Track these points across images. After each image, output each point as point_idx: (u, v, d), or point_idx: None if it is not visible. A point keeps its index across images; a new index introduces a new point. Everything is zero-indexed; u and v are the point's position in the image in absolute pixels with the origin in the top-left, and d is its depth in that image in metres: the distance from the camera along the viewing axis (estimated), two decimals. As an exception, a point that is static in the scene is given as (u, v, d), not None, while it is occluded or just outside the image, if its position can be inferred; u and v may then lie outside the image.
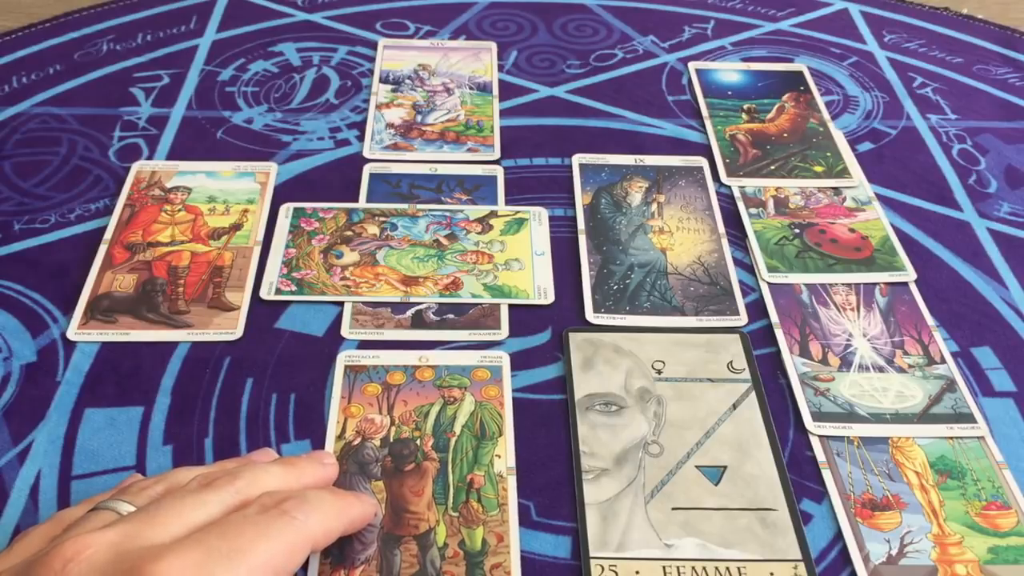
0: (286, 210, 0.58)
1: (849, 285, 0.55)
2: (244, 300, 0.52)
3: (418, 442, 0.45)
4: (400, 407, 0.47)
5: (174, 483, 0.36)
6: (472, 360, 0.49)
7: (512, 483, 0.44)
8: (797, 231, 0.58)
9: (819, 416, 0.47)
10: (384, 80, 0.70)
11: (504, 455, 0.45)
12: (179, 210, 0.58)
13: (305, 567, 0.40)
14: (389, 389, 0.48)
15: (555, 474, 0.45)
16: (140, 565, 0.29)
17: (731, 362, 0.50)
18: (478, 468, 0.44)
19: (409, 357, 0.49)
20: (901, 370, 0.50)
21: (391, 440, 0.45)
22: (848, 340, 0.52)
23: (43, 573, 0.30)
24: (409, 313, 0.52)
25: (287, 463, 0.39)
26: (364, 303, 0.52)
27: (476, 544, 0.41)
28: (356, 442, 0.45)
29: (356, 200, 0.59)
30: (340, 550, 0.40)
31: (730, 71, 0.72)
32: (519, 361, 0.50)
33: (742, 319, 0.53)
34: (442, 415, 0.46)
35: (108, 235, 0.56)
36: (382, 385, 0.48)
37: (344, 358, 0.49)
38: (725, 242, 0.57)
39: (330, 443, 0.45)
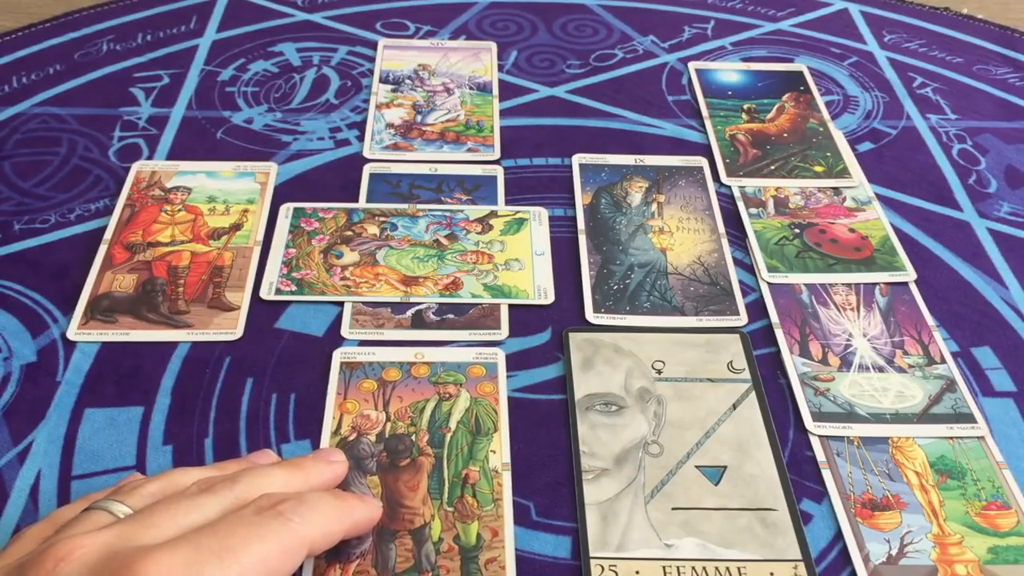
0: (286, 210, 0.58)
1: (849, 285, 0.55)
2: (244, 300, 0.52)
3: (413, 437, 0.45)
4: (396, 403, 0.47)
5: (170, 483, 0.36)
6: (468, 357, 0.49)
7: (507, 478, 0.44)
8: (797, 231, 0.58)
9: (819, 416, 0.47)
10: (384, 80, 0.70)
11: (499, 451, 0.45)
12: (179, 210, 0.58)
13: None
14: (385, 385, 0.48)
15: (555, 474, 0.45)
16: (129, 564, 0.29)
17: (731, 362, 0.50)
18: (473, 464, 0.44)
19: (405, 354, 0.49)
20: (901, 370, 0.50)
21: (386, 436, 0.45)
22: (848, 340, 0.52)
23: (35, 572, 0.30)
24: (409, 313, 0.52)
25: (291, 465, 0.39)
26: (364, 303, 0.52)
27: (471, 539, 0.41)
28: (352, 438, 0.45)
29: (356, 200, 0.59)
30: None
31: (730, 71, 0.72)
32: (519, 361, 0.50)
33: (742, 319, 0.53)
34: (437, 411, 0.47)
35: (108, 235, 0.56)
36: (377, 381, 0.48)
37: (340, 354, 0.49)
38: (725, 242, 0.57)
39: (326, 439, 0.45)
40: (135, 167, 0.61)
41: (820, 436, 0.47)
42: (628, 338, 0.51)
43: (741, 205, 0.60)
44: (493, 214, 0.58)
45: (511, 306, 0.53)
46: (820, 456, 0.46)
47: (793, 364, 0.50)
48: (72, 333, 0.50)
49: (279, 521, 0.33)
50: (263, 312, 0.52)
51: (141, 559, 0.30)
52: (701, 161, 0.63)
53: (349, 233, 0.57)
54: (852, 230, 0.58)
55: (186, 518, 0.33)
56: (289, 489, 0.36)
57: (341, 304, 0.52)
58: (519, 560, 0.41)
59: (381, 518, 0.42)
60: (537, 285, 0.54)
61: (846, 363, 0.50)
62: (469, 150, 0.64)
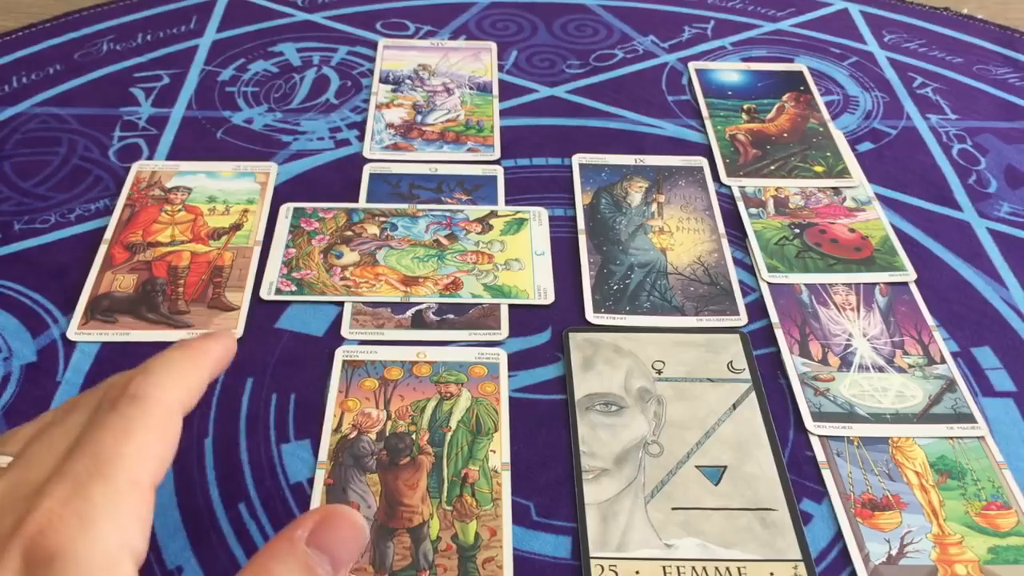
0: (286, 210, 0.58)
1: (849, 285, 0.55)
2: (244, 300, 0.52)
3: (414, 436, 0.45)
4: (397, 402, 0.47)
5: (44, 418, 0.33)
6: (469, 357, 0.49)
7: (506, 478, 0.44)
8: (797, 231, 0.58)
9: (819, 416, 0.47)
10: (384, 80, 0.70)
11: (499, 451, 0.45)
12: (179, 210, 0.58)
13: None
14: (386, 384, 0.48)
15: (555, 474, 0.45)
16: (21, 522, 0.27)
17: (731, 362, 0.50)
18: (473, 463, 0.44)
19: (407, 353, 0.49)
20: (901, 370, 0.50)
21: (387, 434, 0.45)
22: (848, 340, 0.52)
23: None
24: (409, 313, 0.52)
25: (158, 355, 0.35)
26: (364, 303, 0.52)
27: (469, 538, 0.41)
28: (352, 436, 0.45)
29: (356, 200, 0.59)
30: None
31: (730, 71, 0.72)
32: (519, 361, 0.50)
33: (742, 319, 0.53)
34: (438, 410, 0.47)
35: (108, 235, 0.56)
36: (379, 380, 0.48)
37: (342, 353, 0.49)
38: (725, 242, 0.57)
39: (326, 436, 0.45)
40: (135, 167, 0.61)
41: (820, 436, 0.47)
42: (628, 338, 0.51)
43: (741, 205, 0.60)
44: (493, 214, 0.58)
45: (511, 306, 0.53)
46: (820, 456, 0.46)
47: (793, 364, 0.50)
48: (72, 333, 0.50)
49: (136, 405, 0.30)
50: (263, 312, 0.52)
51: (31, 512, 0.27)
52: (701, 161, 0.63)
53: (349, 233, 0.57)
54: (852, 230, 0.58)
55: (60, 444, 0.30)
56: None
57: (341, 304, 0.52)
58: (519, 560, 0.41)
59: (380, 516, 0.42)
60: (537, 285, 0.54)
61: (846, 363, 0.50)
62: (469, 150, 0.64)
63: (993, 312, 0.54)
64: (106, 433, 0.29)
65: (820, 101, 0.69)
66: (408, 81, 0.70)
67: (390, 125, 0.65)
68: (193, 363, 0.33)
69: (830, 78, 0.72)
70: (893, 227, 0.59)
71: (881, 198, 0.61)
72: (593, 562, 0.41)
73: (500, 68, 0.72)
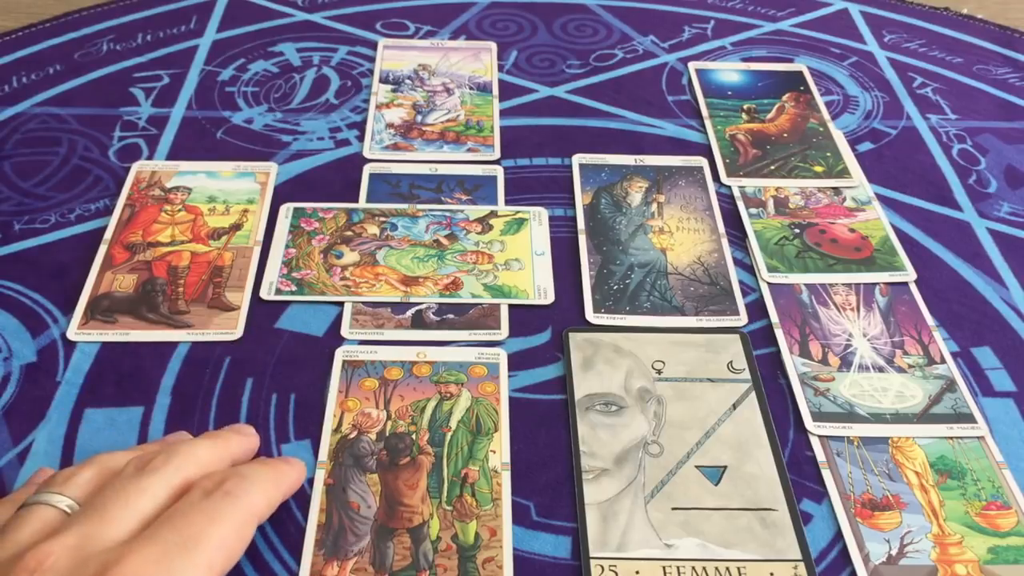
0: (286, 210, 0.58)
1: (849, 285, 0.55)
2: (244, 300, 0.52)
3: (414, 436, 0.45)
4: (397, 402, 0.47)
5: (103, 467, 0.36)
6: (469, 357, 0.49)
7: (506, 478, 0.44)
8: (797, 231, 0.58)
9: (819, 416, 0.47)
10: (384, 80, 0.70)
11: (499, 451, 0.45)
12: (179, 210, 0.58)
13: (299, 560, 0.40)
14: (386, 384, 0.48)
15: (555, 474, 0.45)
16: (103, 571, 0.30)
17: (731, 362, 0.50)
18: (473, 463, 0.44)
19: (407, 353, 0.49)
20: (901, 370, 0.50)
21: (387, 434, 0.45)
22: (848, 340, 0.52)
23: None
24: (409, 313, 0.52)
25: (213, 436, 0.40)
26: (364, 303, 0.52)
27: (469, 538, 0.41)
28: (352, 436, 0.45)
29: (356, 200, 0.59)
30: (334, 542, 0.41)
31: (730, 71, 0.72)
32: (519, 361, 0.50)
33: (742, 319, 0.53)
34: (438, 410, 0.47)
35: (108, 235, 0.56)
36: (379, 380, 0.48)
37: (342, 353, 0.49)
38: (725, 242, 0.57)
39: (326, 437, 0.45)
40: (135, 167, 0.61)
41: (820, 436, 0.47)
42: (628, 338, 0.51)
43: (741, 205, 0.60)
44: (493, 214, 0.58)
45: (511, 306, 0.53)
46: (820, 456, 0.46)
47: (793, 364, 0.50)
48: (72, 333, 0.50)
49: (227, 501, 0.34)
50: (263, 312, 0.52)
51: (113, 564, 0.30)
52: (701, 161, 0.63)
53: (349, 233, 0.57)
54: (852, 230, 0.58)
55: (138, 504, 0.33)
56: (214, 459, 0.37)
57: (341, 304, 0.52)
58: (519, 560, 0.41)
59: (380, 516, 0.42)
60: (537, 285, 0.54)
61: (846, 363, 0.50)
62: (469, 150, 0.64)
63: (993, 312, 0.54)
64: (198, 515, 0.33)
65: (820, 101, 0.69)
66: (408, 81, 0.70)
67: (390, 125, 0.65)
68: (276, 480, 0.38)
69: (830, 78, 0.72)
70: (893, 227, 0.59)
71: (881, 198, 0.61)
72: (593, 562, 0.41)
73: (500, 68, 0.72)
